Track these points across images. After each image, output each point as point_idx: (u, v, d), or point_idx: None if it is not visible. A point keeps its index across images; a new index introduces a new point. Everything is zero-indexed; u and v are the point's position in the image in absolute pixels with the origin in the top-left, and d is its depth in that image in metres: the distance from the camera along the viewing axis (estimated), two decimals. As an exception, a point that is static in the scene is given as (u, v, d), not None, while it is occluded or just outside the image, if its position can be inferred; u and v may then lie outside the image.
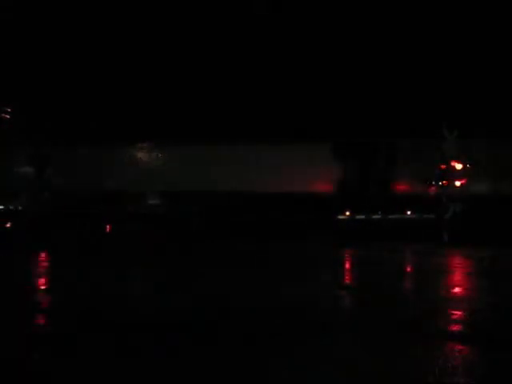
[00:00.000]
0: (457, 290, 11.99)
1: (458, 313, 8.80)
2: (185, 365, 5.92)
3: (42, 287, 12.13)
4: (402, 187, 26.54)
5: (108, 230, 27.59)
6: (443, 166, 24.05)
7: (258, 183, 26.66)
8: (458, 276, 14.55)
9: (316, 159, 27.01)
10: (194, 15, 30.42)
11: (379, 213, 26.35)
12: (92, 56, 30.36)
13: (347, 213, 26.87)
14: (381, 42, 29.41)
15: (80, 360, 6.06)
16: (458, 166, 24.02)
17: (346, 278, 14.51)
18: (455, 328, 7.80)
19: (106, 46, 30.38)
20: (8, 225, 26.98)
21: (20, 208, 28.19)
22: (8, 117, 28.50)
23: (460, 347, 6.73)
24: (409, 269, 16.83)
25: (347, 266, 17.52)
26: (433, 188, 24.86)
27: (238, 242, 21.86)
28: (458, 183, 24.01)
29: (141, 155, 28.86)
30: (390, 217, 26.11)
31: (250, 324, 7.75)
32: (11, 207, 28.16)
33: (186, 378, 5.54)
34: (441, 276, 14.27)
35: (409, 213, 26.13)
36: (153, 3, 30.72)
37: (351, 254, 20.48)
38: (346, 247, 21.53)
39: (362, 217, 26.49)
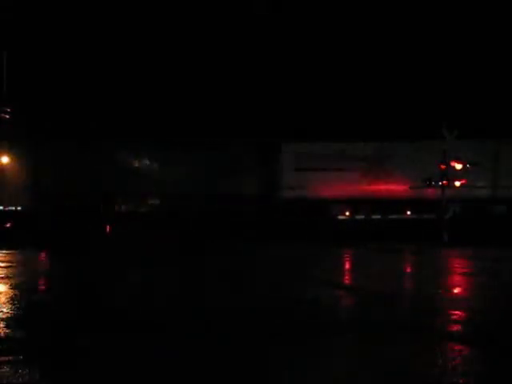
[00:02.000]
0: (456, 290, 11.99)
1: (458, 313, 8.79)
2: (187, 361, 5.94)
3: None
4: None
5: (108, 230, 27.59)
6: (443, 166, 24.01)
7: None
8: (457, 276, 14.54)
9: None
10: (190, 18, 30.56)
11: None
12: (92, 57, 30.37)
13: (347, 213, 26.91)
14: (380, 43, 29.41)
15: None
16: (458, 166, 23.98)
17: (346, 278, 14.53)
18: (455, 328, 7.80)
19: (105, 47, 30.38)
20: (8, 225, 26.95)
21: (19, 208, 28.14)
22: (8, 117, 28.46)
23: (460, 347, 6.73)
24: (409, 269, 16.81)
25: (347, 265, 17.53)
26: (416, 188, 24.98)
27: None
28: (457, 183, 23.97)
29: (138, 155, 28.80)
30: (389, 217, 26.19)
31: (250, 324, 7.76)
32: (11, 207, 28.11)
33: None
34: (441, 276, 14.27)
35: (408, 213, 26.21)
36: (152, 4, 30.73)
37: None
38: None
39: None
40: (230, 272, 14.15)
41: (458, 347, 6.71)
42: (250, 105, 29.02)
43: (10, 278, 12.79)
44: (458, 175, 24.00)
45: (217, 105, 29.42)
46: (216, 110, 29.04)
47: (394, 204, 25.92)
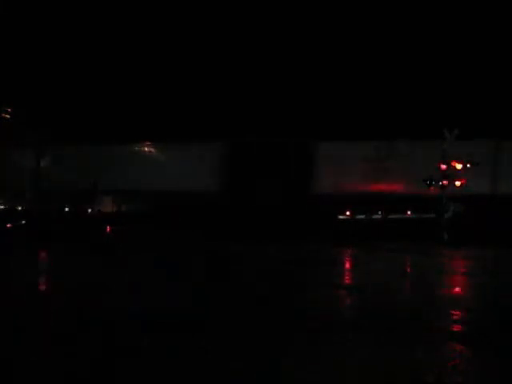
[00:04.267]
0: (457, 289, 12.01)
1: (458, 313, 8.82)
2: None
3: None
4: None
5: (108, 229, 27.68)
6: (443, 166, 24.04)
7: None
8: (457, 276, 14.55)
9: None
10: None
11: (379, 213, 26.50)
12: (92, 57, 30.39)
13: (347, 213, 26.95)
14: (381, 43, 29.40)
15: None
16: (458, 166, 24.01)
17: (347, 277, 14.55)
18: (455, 328, 7.82)
19: (106, 47, 30.41)
20: (9, 224, 26.99)
21: (20, 208, 28.18)
22: (9, 116, 28.50)
23: (460, 347, 6.74)
24: (409, 268, 16.82)
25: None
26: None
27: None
28: (457, 183, 24.00)
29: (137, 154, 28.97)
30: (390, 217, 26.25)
31: (250, 324, 7.77)
32: (12, 207, 28.16)
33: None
34: (440, 275, 14.30)
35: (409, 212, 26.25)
36: (152, 5, 30.76)
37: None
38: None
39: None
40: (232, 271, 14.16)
41: (458, 347, 6.73)
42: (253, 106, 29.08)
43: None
44: (458, 175, 24.03)
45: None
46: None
47: (395, 203, 25.97)
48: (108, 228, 27.57)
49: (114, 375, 5.63)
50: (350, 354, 6.43)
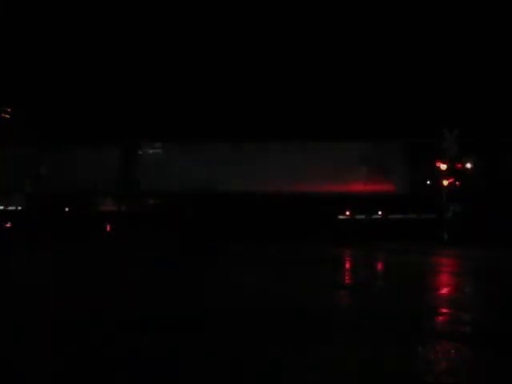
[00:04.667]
0: (456, 289, 12.00)
1: (458, 313, 8.81)
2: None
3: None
4: None
5: (108, 229, 27.67)
6: (443, 166, 24.06)
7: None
8: (457, 275, 14.56)
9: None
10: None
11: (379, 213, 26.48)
12: (92, 57, 30.42)
13: (347, 213, 26.95)
14: (382, 45, 29.43)
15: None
16: (458, 166, 24.04)
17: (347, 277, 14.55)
18: (455, 328, 7.82)
19: (106, 47, 30.43)
20: (8, 224, 27.00)
21: (19, 208, 28.19)
22: (8, 117, 28.52)
23: (459, 347, 6.75)
24: (408, 268, 16.82)
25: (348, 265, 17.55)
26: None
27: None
28: (457, 183, 24.03)
29: (143, 155, 28.83)
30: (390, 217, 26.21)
31: (249, 325, 7.78)
32: (11, 207, 28.16)
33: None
34: (440, 275, 14.30)
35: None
36: (152, 5, 30.78)
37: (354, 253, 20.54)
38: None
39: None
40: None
41: (458, 347, 6.73)
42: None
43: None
44: (457, 175, 24.06)
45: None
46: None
47: (395, 203, 25.96)
48: (108, 227, 27.59)
49: (114, 375, 5.63)
50: (350, 353, 6.43)
